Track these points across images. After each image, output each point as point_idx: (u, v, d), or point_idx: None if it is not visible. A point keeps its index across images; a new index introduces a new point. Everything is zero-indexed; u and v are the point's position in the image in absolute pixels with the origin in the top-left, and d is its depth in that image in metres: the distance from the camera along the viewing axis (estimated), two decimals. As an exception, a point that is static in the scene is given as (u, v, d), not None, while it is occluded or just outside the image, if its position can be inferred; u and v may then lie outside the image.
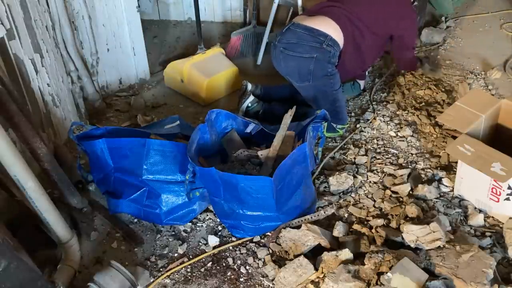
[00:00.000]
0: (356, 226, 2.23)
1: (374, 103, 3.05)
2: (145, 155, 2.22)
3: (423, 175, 2.52)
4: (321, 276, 1.98)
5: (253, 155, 2.30)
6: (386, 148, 2.71)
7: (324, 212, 2.26)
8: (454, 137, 2.61)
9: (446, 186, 2.42)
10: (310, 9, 2.82)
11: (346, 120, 2.82)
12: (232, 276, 2.09)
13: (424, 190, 2.37)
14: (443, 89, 3.11)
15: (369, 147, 2.73)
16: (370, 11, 2.71)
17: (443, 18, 3.90)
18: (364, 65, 2.95)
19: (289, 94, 2.87)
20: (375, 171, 2.56)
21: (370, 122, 2.90)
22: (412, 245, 2.04)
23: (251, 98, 2.85)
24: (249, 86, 2.91)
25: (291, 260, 2.07)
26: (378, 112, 2.96)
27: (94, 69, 3.08)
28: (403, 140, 2.75)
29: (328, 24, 2.62)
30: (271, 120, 2.70)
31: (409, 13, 2.86)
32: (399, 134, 2.80)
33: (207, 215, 2.37)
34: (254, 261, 2.15)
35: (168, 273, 2.11)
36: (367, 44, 2.74)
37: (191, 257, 2.19)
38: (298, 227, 2.18)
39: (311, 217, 2.24)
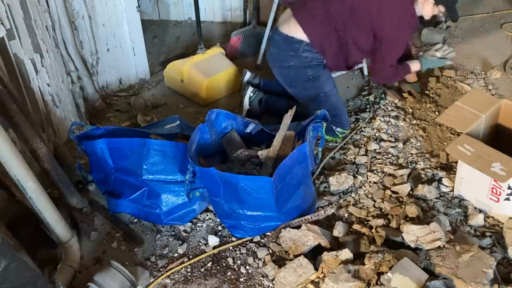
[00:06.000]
0: (356, 226, 2.23)
1: (373, 103, 3.05)
2: (145, 155, 2.22)
3: (423, 175, 2.52)
4: (321, 276, 1.98)
5: (253, 155, 2.30)
6: (386, 148, 2.71)
7: (324, 212, 2.26)
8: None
9: (446, 186, 2.42)
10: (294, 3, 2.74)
11: (347, 126, 2.76)
12: (232, 276, 2.09)
13: (424, 190, 2.37)
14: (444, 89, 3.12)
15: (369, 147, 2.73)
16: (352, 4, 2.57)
17: (443, 18, 3.90)
18: (348, 61, 2.78)
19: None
20: (375, 171, 2.56)
21: (370, 122, 2.89)
22: (412, 245, 2.04)
23: (251, 88, 2.91)
24: (248, 74, 2.98)
25: (291, 260, 2.07)
26: (378, 112, 2.96)
27: (94, 69, 3.08)
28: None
29: (303, 27, 2.60)
30: (271, 113, 2.83)
31: (401, 24, 2.62)
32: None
33: (207, 215, 2.37)
34: (254, 261, 2.15)
35: (168, 273, 2.11)
36: (348, 40, 2.64)
37: (191, 257, 2.19)
38: (298, 227, 2.18)
39: (311, 217, 2.24)
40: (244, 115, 2.89)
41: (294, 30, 2.63)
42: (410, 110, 2.96)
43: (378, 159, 2.64)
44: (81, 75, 2.93)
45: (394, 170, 2.54)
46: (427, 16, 2.71)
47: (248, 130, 2.48)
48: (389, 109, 2.97)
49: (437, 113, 2.92)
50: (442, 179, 2.45)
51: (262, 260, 2.14)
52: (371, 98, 3.09)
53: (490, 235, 2.15)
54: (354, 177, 2.51)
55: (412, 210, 2.24)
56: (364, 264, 1.96)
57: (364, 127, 2.85)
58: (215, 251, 2.20)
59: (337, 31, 2.61)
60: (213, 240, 2.24)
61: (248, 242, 2.23)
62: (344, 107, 2.82)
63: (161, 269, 2.14)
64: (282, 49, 2.69)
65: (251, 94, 2.89)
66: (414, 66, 2.89)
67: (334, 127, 2.72)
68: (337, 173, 2.49)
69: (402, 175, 2.50)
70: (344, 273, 1.91)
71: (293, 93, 2.76)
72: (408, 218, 2.23)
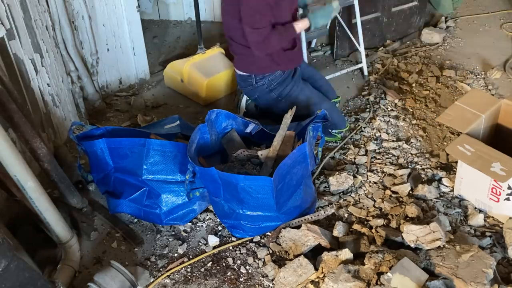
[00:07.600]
0: (356, 226, 2.23)
1: (373, 103, 3.05)
2: (145, 155, 2.22)
3: (423, 175, 2.52)
4: (321, 276, 1.98)
5: (253, 155, 2.30)
6: (386, 148, 2.71)
7: (324, 212, 2.26)
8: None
9: (446, 186, 2.43)
10: None
11: (343, 125, 2.75)
12: (232, 276, 2.09)
13: (424, 190, 2.37)
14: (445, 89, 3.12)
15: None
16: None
17: (443, 18, 3.90)
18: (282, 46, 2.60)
19: None
20: (375, 171, 2.56)
21: (370, 122, 2.89)
22: (412, 245, 2.04)
23: None
24: None
25: (291, 260, 2.07)
26: (378, 112, 2.96)
27: (94, 69, 3.08)
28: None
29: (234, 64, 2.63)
30: (268, 117, 2.78)
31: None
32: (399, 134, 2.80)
33: (207, 215, 2.37)
34: (254, 261, 2.15)
35: (168, 273, 2.11)
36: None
37: (191, 257, 2.19)
38: (298, 227, 2.18)
39: (311, 217, 2.24)
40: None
41: (235, 66, 2.66)
42: (410, 110, 2.96)
43: (378, 159, 2.64)
44: (81, 75, 2.93)
45: (394, 170, 2.54)
46: None
47: (248, 130, 2.48)
48: (389, 109, 2.97)
49: (437, 113, 2.92)
50: (442, 179, 2.46)
51: (262, 260, 2.14)
52: (371, 98, 3.09)
53: (490, 235, 2.15)
54: (354, 177, 2.51)
55: (412, 210, 2.24)
56: (364, 264, 1.96)
57: (364, 127, 2.85)
58: (215, 251, 2.20)
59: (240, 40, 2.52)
60: (213, 240, 2.25)
61: (248, 242, 2.23)
62: (333, 108, 2.74)
63: (161, 269, 2.14)
64: (242, 86, 2.73)
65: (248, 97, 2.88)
66: (302, 23, 2.55)
67: (330, 130, 2.72)
68: (337, 173, 2.49)
69: (402, 175, 2.50)
70: (344, 273, 1.91)
71: (279, 113, 2.61)
72: (408, 218, 2.23)
